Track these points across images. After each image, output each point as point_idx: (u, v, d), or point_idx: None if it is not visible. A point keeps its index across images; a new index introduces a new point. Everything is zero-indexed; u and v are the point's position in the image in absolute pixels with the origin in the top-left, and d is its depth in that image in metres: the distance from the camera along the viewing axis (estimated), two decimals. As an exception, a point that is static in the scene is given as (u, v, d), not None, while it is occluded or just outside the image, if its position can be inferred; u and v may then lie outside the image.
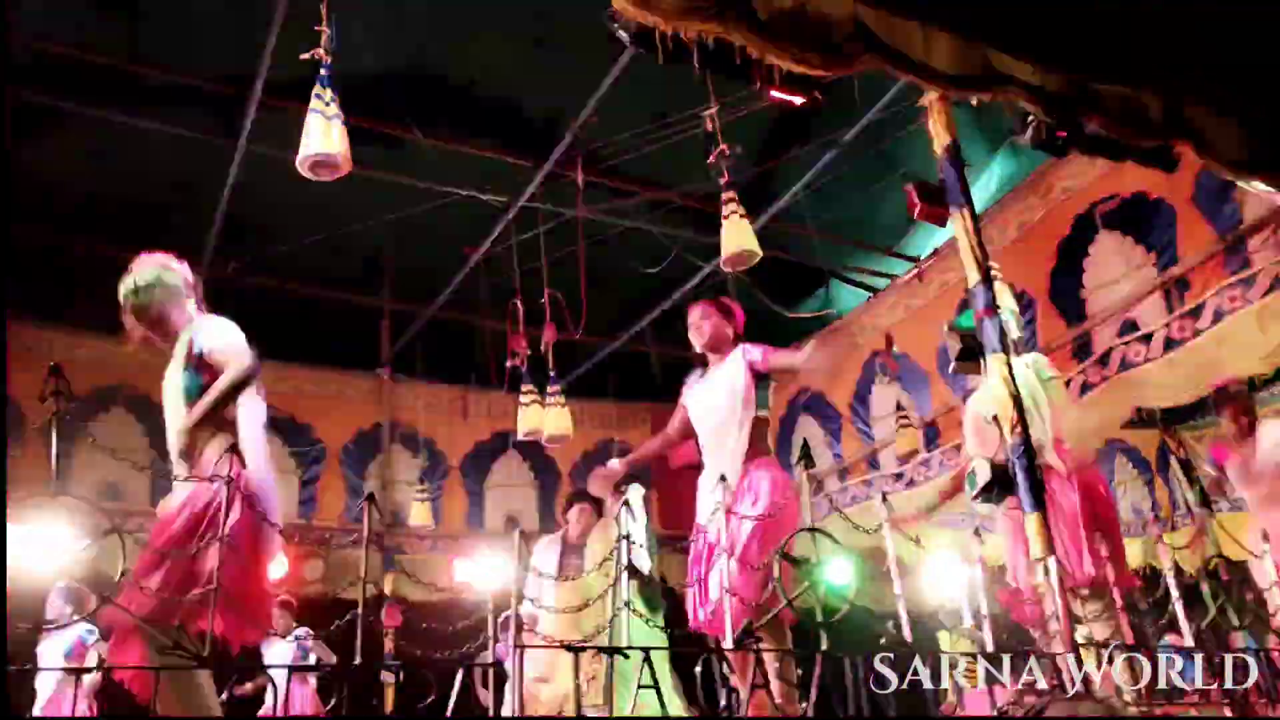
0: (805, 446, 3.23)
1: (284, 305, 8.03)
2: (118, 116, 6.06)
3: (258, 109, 5.81)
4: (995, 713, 2.94)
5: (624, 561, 2.91)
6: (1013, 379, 3.27)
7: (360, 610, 2.59)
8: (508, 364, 6.65)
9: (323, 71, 4.17)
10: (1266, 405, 7.76)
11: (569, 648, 2.51)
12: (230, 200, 6.67)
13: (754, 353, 4.11)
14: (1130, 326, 6.08)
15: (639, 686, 2.48)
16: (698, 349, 4.40)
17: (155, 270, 3.27)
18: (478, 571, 7.19)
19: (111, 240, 6.62)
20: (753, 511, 3.60)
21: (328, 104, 4.08)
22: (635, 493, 4.95)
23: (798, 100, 3.26)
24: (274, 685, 2.40)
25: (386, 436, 8.80)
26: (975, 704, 3.10)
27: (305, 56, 4.21)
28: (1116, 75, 3.63)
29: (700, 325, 4.34)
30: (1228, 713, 3.29)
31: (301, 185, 4.31)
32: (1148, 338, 5.92)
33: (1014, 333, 4.57)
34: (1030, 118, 3.70)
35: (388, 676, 5.47)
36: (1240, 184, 4.15)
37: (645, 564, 4.74)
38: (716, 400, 4.14)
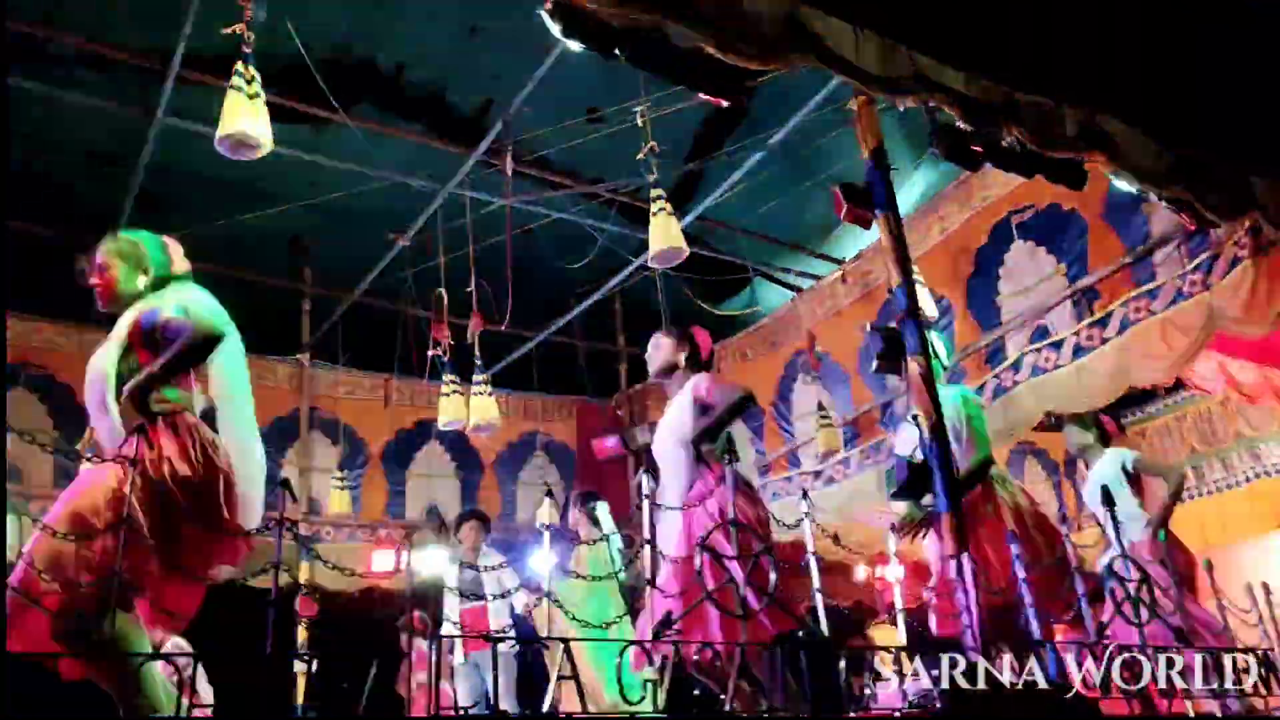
0: (729, 439, 3.27)
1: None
2: (29, 84, 5.81)
3: (177, 83, 5.61)
4: (907, 706, 3.01)
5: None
6: (931, 380, 3.35)
7: (273, 598, 2.53)
8: (430, 353, 6.56)
9: (245, 48, 4.06)
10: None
11: (487, 637, 2.48)
12: (146, 175, 6.45)
13: (702, 386, 3.92)
14: (1041, 333, 6.28)
15: (559, 677, 2.47)
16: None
17: (119, 238, 3.16)
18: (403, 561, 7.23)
19: (18, 213, 6.37)
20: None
21: (249, 81, 3.97)
22: (602, 507, 6.05)
23: (724, 102, 3.28)
24: (180, 675, 2.33)
25: (305, 423, 8.61)
26: (889, 699, 3.17)
27: (227, 31, 4.09)
28: (1036, 86, 3.74)
29: (651, 354, 4.23)
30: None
31: (222, 163, 4.19)
32: (1058, 345, 6.12)
33: (942, 357, 4.71)
34: (947, 130, 3.80)
35: (300, 666, 5.38)
36: (1150, 197, 4.31)
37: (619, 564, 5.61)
38: (660, 438, 3.96)
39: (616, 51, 3.05)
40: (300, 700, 5.22)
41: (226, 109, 3.92)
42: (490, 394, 6.42)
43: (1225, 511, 7.62)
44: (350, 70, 6.38)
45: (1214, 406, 7.68)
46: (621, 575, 5.01)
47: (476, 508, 7.72)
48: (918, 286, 3.86)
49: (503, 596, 5.72)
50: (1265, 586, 4.47)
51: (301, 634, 6.46)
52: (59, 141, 6.57)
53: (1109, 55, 3.96)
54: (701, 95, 3.41)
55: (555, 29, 2.97)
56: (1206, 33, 4.23)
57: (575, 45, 3.03)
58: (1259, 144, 4.37)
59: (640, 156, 5.33)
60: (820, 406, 7.35)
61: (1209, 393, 7.00)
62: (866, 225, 3.67)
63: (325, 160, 6.47)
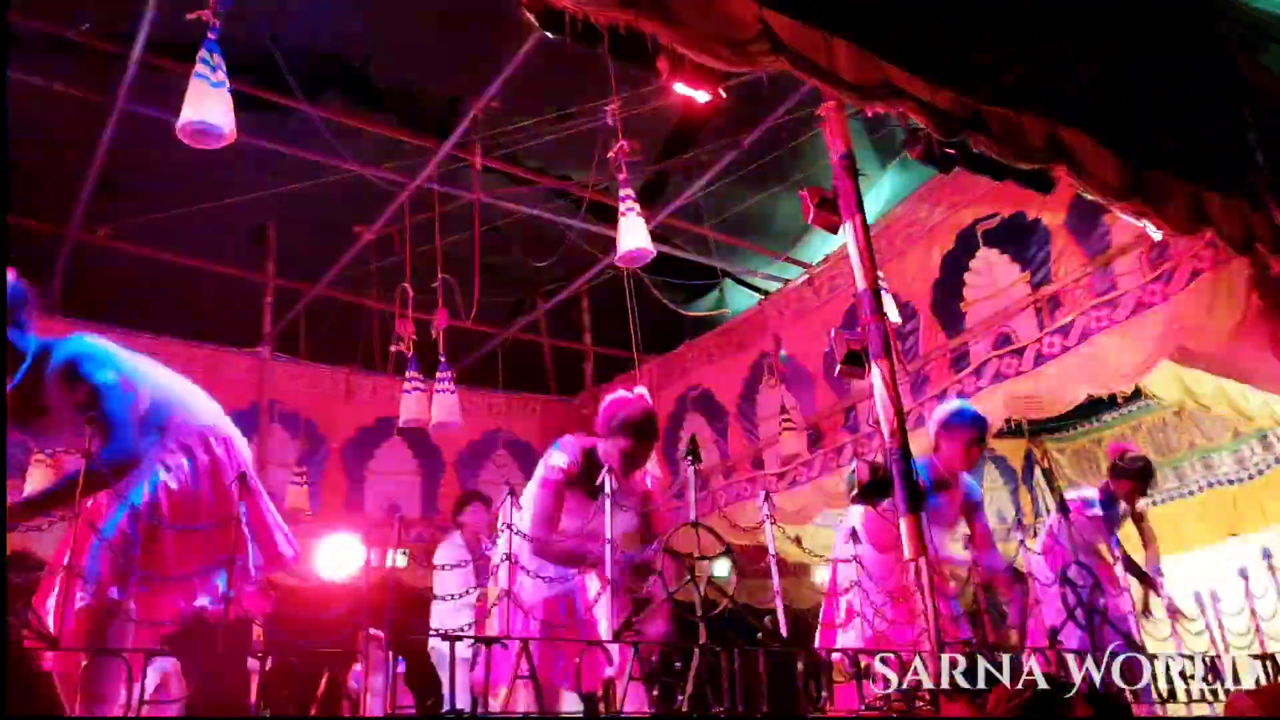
0: (693, 441, 3.26)
1: (159, 274, 7.67)
2: (-18, 65, 5.67)
3: (138, 68, 5.51)
4: (863, 708, 3.02)
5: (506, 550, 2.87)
6: (895, 385, 3.37)
7: (225, 594, 2.49)
8: (392, 348, 6.50)
9: (209, 35, 3.99)
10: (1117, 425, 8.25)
11: (445, 636, 2.46)
12: (104, 162, 6.32)
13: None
14: (1004, 340, 6.35)
15: (516, 677, 2.46)
16: None
17: None
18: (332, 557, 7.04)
19: (-30, 196, 6.21)
20: None
21: (214, 69, 3.91)
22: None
23: (702, 97, 3.28)
24: (130, 673, 2.29)
25: (265, 416, 8.48)
26: (846, 700, 3.18)
27: (191, 17, 4.02)
28: (1002, 99, 3.78)
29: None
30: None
31: (183, 151, 4.11)
32: (1020, 352, 6.20)
33: None
34: (920, 133, 3.83)
35: (253, 664, 5.29)
36: (1113, 210, 4.37)
37: None
38: None
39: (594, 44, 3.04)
40: (253, 699, 5.14)
41: (189, 98, 3.86)
42: (454, 391, 6.36)
43: (1177, 520, 7.76)
44: (317, 59, 6.29)
45: (1168, 417, 7.82)
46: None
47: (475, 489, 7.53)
48: (883, 292, 3.88)
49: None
50: (1213, 594, 4.55)
51: (256, 631, 6.36)
52: (14, 125, 6.41)
53: (1072, 72, 4.02)
54: (678, 89, 3.40)
55: (532, 19, 2.95)
56: (1163, 54, 4.30)
57: (552, 35, 3.02)
58: (1212, 163, 4.46)
59: (610, 155, 5.32)
60: (784, 409, 7.38)
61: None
62: (834, 229, 3.69)
63: (289, 150, 6.39)
